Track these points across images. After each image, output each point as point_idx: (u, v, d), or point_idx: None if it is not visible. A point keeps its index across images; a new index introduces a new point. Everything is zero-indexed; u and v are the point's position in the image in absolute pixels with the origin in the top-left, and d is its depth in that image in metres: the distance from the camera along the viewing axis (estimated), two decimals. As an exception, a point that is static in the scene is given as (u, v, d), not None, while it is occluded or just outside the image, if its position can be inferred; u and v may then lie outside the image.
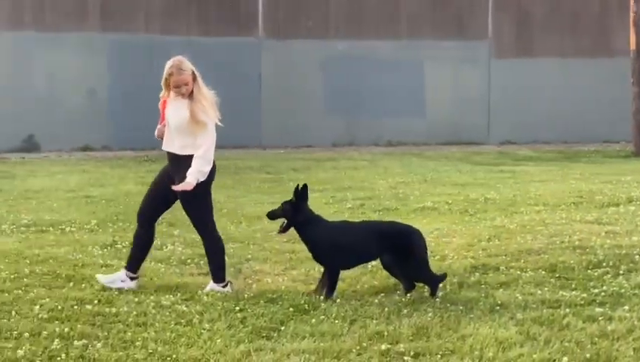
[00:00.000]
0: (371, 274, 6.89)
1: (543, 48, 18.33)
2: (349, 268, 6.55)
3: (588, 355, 4.92)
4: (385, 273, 6.58)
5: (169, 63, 6.21)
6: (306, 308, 5.97)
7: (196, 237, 8.52)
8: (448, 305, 6.18)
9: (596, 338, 5.21)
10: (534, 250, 7.66)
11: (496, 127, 17.92)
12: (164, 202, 6.40)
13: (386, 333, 5.45)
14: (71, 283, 6.72)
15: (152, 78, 15.89)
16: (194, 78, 6.07)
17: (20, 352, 4.98)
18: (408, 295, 6.13)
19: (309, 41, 16.94)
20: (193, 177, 5.96)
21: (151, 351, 5.02)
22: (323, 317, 5.81)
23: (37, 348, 5.11)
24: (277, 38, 16.80)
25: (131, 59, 16.02)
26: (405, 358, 4.97)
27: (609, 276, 6.77)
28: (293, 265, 7.20)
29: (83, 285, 6.69)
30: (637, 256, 7.33)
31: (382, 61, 17.30)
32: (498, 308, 6.02)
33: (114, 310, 5.98)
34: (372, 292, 6.41)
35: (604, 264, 7.09)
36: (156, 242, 8.33)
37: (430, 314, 5.87)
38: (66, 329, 5.43)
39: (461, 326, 5.55)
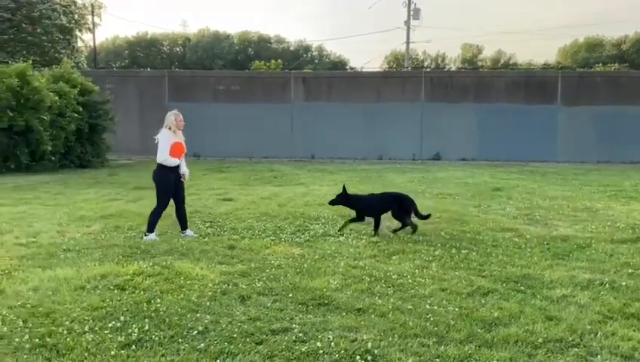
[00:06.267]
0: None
1: None
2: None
3: None
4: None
5: (172, 113, 6.98)
6: (582, 245, 6.88)
7: (522, 204, 10.01)
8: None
9: None
10: None
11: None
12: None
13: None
14: (459, 224, 8.04)
15: (500, 128, 20.69)
16: None
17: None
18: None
19: (585, 107, 20.43)
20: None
21: (500, 259, 6.19)
22: (594, 249, 6.55)
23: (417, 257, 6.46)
24: (567, 105, 20.30)
25: (488, 117, 20.34)
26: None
27: None
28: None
29: (463, 225, 7.85)
30: None
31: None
32: None
33: (479, 238, 7.17)
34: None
35: None
36: (500, 206, 9.71)
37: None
38: (456, 244, 6.86)
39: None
